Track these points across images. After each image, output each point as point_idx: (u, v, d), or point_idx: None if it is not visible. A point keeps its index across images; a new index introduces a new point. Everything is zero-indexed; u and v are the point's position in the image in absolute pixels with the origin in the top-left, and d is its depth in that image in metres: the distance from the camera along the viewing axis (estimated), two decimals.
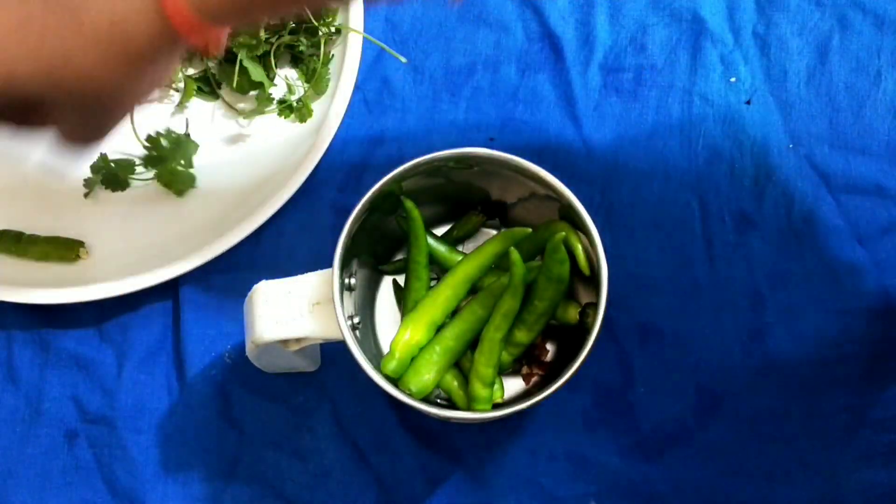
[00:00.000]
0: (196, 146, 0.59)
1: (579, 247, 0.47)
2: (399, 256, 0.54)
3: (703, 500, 0.54)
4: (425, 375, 0.48)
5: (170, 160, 0.58)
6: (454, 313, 0.50)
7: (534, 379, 0.51)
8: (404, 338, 0.48)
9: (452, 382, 0.49)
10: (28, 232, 0.59)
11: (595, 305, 0.45)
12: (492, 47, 0.62)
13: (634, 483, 0.54)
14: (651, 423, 0.55)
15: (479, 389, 0.48)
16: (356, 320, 0.49)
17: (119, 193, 0.60)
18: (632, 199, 0.58)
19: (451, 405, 0.49)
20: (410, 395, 0.46)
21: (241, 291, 0.56)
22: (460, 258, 0.51)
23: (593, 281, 0.46)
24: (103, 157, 0.59)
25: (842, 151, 0.58)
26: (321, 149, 0.57)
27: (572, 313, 0.49)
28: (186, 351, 0.57)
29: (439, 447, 0.55)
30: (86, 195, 0.60)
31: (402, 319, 0.51)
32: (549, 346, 0.52)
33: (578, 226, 0.46)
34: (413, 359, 0.48)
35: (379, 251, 0.54)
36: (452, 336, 0.49)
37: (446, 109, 0.61)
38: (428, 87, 0.61)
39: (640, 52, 0.61)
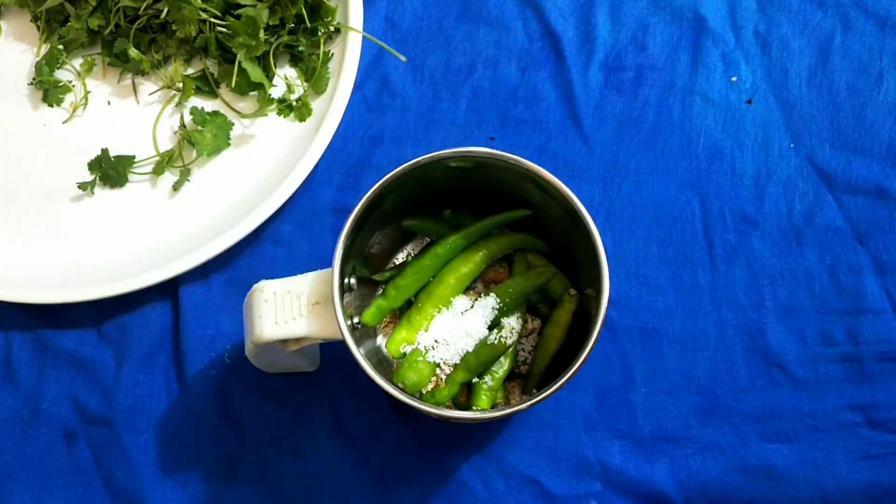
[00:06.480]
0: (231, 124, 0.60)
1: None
2: (391, 263, 0.54)
3: (704, 500, 0.54)
4: (421, 367, 0.48)
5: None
6: None
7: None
8: (401, 335, 0.48)
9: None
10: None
11: (595, 297, 0.45)
12: (492, 46, 0.61)
13: (634, 483, 0.54)
14: (651, 423, 0.55)
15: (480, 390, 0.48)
16: (356, 320, 0.49)
17: (118, 192, 0.59)
18: (632, 198, 0.58)
19: (452, 405, 0.49)
20: (405, 389, 0.46)
21: (240, 291, 0.56)
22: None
23: (594, 274, 0.45)
24: (104, 151, 0.58)
25: (843, 152, 0.58)
26: (320, 148, 0.57)
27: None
28: (186, 351, 0.56)
29: (439, 447, 0.55)
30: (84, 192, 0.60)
31: (401, 316, 0.51)
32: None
33: (579, 225, 0.46)
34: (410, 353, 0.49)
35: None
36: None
37: (446, 109, 0.60)
38: (428, 86, 0.61)
39: (641, 51, 0.61)
